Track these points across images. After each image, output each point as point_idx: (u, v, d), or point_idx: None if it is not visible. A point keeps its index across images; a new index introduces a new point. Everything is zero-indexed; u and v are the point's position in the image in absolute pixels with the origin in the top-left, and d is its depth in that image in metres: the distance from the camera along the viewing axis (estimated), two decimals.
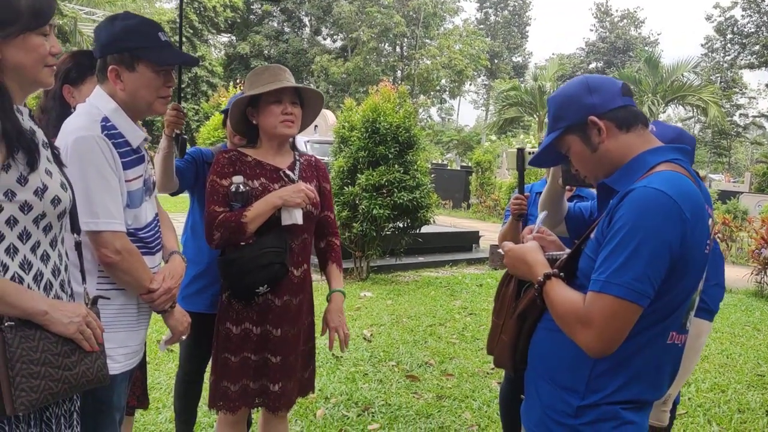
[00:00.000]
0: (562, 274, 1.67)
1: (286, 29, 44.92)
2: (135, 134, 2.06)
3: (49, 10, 1.63)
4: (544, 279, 1.67)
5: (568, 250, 1.80)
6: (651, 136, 1.72)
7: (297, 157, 2.67)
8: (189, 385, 3.21)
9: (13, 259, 1.59)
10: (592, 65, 54.73)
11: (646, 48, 45.18)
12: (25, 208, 1.59)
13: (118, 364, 2.03)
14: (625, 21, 57.14)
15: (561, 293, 1.62)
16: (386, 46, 45.58)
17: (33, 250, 1.64)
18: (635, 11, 57.64)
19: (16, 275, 1.60)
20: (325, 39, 47.49)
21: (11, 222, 1.58)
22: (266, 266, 2.43)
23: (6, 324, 1.54)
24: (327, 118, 21.54)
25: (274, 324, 2.54)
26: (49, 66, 1.66)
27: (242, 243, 2.47)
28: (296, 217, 2.47)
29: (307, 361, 2.74)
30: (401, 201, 7.89)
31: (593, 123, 1.68)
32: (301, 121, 2.61)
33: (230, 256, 2.48)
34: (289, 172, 2.58)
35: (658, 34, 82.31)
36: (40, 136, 1.70)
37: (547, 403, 1.70)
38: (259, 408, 2.65)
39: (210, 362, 2.69)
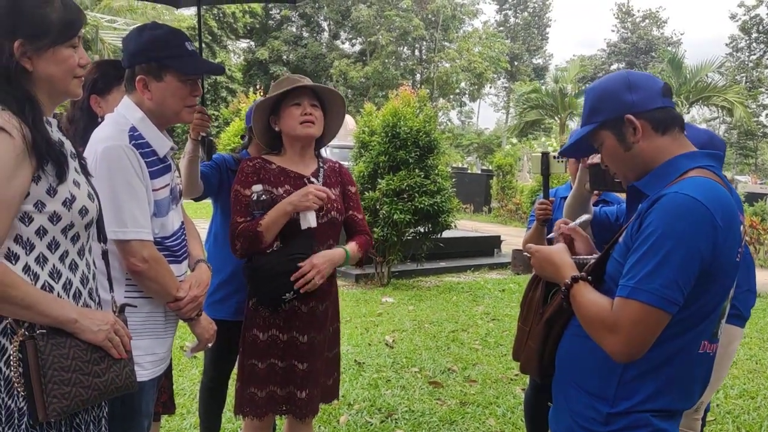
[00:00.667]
0: (589, 277, 1.65)
1: (305, 34, 45.11)
2: (162, 143, 2.07)
3: (78, 23, 1.66)
4: (571, 282, 1.65)
5: (596, 254, 1.78)
6: (686, 140, 1.69)
7: (321, 164, 2.68)
8: (213, 392, 3.22)
9: (43, 269, 1.62)
10: (614, 66, 54.25)
11: (669, 48, 44.67)
12: (54, 218, 1.62)
13: (145, 371, 2.05)
14: (647, 21, 56.61)
15: (588, 297, 1.61)
16: (405, 50, 45.59)
17: (62, 259, 1.66)
18: (657, 11, 57.07)
19: (46, 284, 1.62)
20: (343, 43, 47.64)
21: (41, 232, 1.61)
22: (292, 272, 2.44)
23: (38, 332, 1.56)
24: (346, 122, 21.49)
25: (301, 330, 2.54)
26: (77, 77, 1.69)
27: (267, 250, 2.48)
28: (310, 220, 2.47)
29: (332, 368, 2.74)
30: (422, 206, 7.87)
31: (629, 122, 1.65)
32: (323, 125, 2.62)
33: (256, 263, 2.49)
34: (313, 179, 2.59)
35: (681, 34, 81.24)
36: (68, 146, 1.73)
37: (576, 409, 1.69)
38: (284, 414, 2.65)
39: (236, 368, 2.70)
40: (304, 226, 2.47)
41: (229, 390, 3.31)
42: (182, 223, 2.22)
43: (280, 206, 2.46)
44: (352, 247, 2.64)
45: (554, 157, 3.18)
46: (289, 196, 2.49)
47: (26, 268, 1.59)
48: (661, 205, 1.51)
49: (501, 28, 56.65)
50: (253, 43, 42.69)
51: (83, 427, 1.72)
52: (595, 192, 2.93)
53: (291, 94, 2.54)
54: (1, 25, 1.55)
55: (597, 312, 1.56)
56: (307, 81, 2.61)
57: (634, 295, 1.48)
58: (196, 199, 3.02)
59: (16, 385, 1.55)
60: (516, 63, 54.87)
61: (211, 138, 2.95)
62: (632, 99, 1.66)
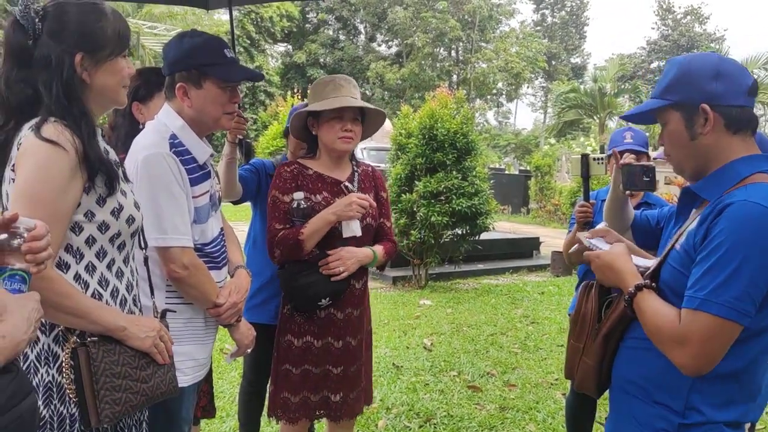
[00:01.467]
0: (653, 284, 1.60)
1: (342, 37, 45.30)
2: (202, 150, 2.09)
3: (129, 33, 1.70)
4: (635, 291, 1.60)
5: (654, 259, 1.72)
6: (753, 144, 1.62)
7: (355, 168, 2.68)
8: (253, 395, 3.24)
9: (92, 277, 1.66)
10: (654, 64, 53.25)
11: (712, 45, 43.63)
12: (103, 227, 1.65)
13: (186, 376, 2.07)
14: (688, 18, 55.38)
15: (654, 307, 1.56)
16: (441, 51, 45.45)
17: (109, 267, 1.70)
18: (699, 7, 55.79)
19: (95, 292, 1.66)
20: (380, 45, 47.70)
21: (90, 241, 1.64)
22: (328, 279, 2.45)
23: (89, 339, 1.59)
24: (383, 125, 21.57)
25: (336, 336, 2.55)
26: (125, 87, 1.73)
27: (306, 255, 2.49)
28: (354, 229, 2.48)
29: (366, 371, 2.74)
30: (460, 208, 7.82)
31: (703, 111, 1.56)
32: (360, 135, 2.62)
33: (292, 270, 2.50)
34: (348, 185, 2.59)
35: (725, 30, 79.11)
36: (112, 155, 1.75)
37: (645, 421, 1.64)
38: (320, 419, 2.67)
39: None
40: (347, 234, 2.48)
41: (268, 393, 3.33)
42: (222, 229, 2.23)
43: (323, 215, 2.45)
44: (379, 249, 2.65)
45: (594, 159, 3.12)
46: (330, 205, 2.49)
47: (77, 277, 1.63)
48: (731, 214, 1.45)
49: (538, 28, 56.06)
50: (290, 47, 43.05)
51: (126, 430, 1.75)
52: (631, 193, 2.85)
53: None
54: (62, 41, 1.59)
55: (664, 324, 1.51)
56: (352, 87, 2.58)
57: (704, 307, 1.43)
58: (235, 202, 3.04)
59: (68, 391, 1.58)
60: (554, 62, 54.23)
61: (249, 140, 2.96)
62: (715, 89, 1.56)
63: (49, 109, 1.57)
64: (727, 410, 1.54)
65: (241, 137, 2.88)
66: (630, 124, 2.91)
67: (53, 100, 1.57)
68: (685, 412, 1.56)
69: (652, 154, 3.21)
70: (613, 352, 1.75)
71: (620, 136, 3.13)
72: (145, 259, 1.89)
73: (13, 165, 1.55)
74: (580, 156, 3.15)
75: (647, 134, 3.27)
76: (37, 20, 1.58)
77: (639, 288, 1.59)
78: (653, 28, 60.35)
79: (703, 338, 1.43)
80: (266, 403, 3.27)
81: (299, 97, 16.88)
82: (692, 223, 1.60)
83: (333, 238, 2.49)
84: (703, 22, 55.88)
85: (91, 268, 1.65)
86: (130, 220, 1.70)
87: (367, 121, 2.65)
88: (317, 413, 2.60)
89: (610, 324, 1.73)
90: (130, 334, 1.66)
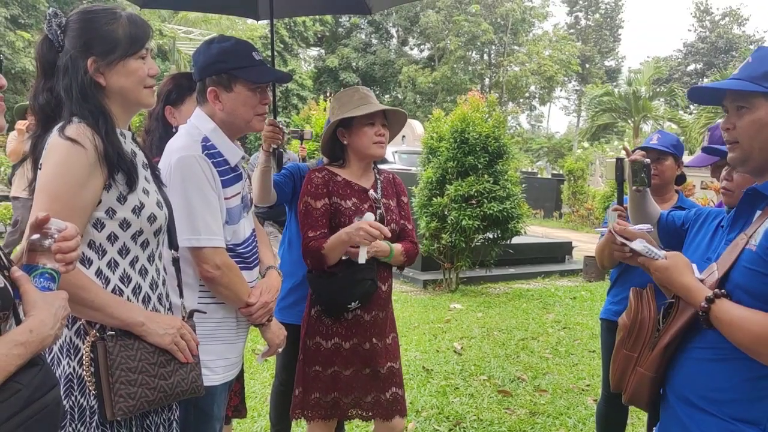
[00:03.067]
0: (723, 291, 1.54)
1: (374, 41, 45.41)
2: (233, 153, 2.13)
3: (144, 36, 1.75)
4: (707, 304, 1.53)
5: (714, 265, 1.65)
6: None
7: (377, 176, 2.74)
8: (284, 395, 3.26)
9: (114, 273, 1.71)
10: (691, 67, 52.35)
11: (751, 47, 42.78)
12: (124, 225, 1.70)
13: (217, 375, 2.10)
14: (727, 19, 54.27)
15: (741, 315, 1.48)
16: (474, 54, 45.25)
17: (132, 264, 1.74)
18: (738, 8, 54.64)
19: (116, 288, 1.71)
20: (412, 49, 47.69)
21: (112, 238, 1.69)
22: (359, 282, 2.49)
23: (108, 333, 1.64)
24: (414, 128, 21.57)
25: (363, 338, 2.59)
26: (148, 87, 1.78)
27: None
28: (361, 255, 2.48)
29: (397, 379, 2.75)
30: (491, 212, 7.78)
31: None
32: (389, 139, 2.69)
33: (322, 274, 2.56)
34: (373, 192, 2.65)
35: (765, 32, 77.48)
36: (141, 157, 1.82)
37: None
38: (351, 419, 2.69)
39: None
40: (358, 259, 2.49)
41: None
42: (253, 230, 2.27)
43: (339, 233, 2.51)
44: (397, 246, 2.68)
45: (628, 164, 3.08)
46: (357, 213, 2.55)
47: (98, 272, 1.69)
48: None
49: (572, 31, 55.44)
50: (323, 51, 43.30)
51: (153, 428, 1.78)
52: (638, 188, 2.80)
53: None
54: (75, 45, 1.68)
55: (762, 331, 1.44)
56: (375, 98, 2.68)
57: None
58: (270, 207, 3.10)
59: (88, 384, 1.63)
60: (587, 65, 53.62)
61: (281, 150, 3.02)
62: None
63: (71, 110, 1.66)
64: None
65: (275, 147, 2.92)
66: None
67: (73, 102, 1.66)
68: (766, 426, 1.48)
69: (686, 159, 3.16)
70: (669, 363, 1.69)
71: (650, 137, 3.12)
72: (175, 260, 1.92)
73: (40, 164, 1.64)
74: (614, 159, 3.11)
75: (681, 138, 3.22)
76: (59, 32, 1.68)
77: (711, 300, 1.53)
78: (690, 30, 59.35)
79: None
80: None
81: (332, 100, 16.97)
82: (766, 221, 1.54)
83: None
84: (742, 23, 54.71)
85: (113, 265, 1.71)
86: (152, 218, 1.75)
87: (390, 125, 2.72)
88: (349, 413, 2.63)
89: (673, 333, 1.66)
90: (149, 329, 1.70)
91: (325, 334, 2.60)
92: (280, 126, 2.97)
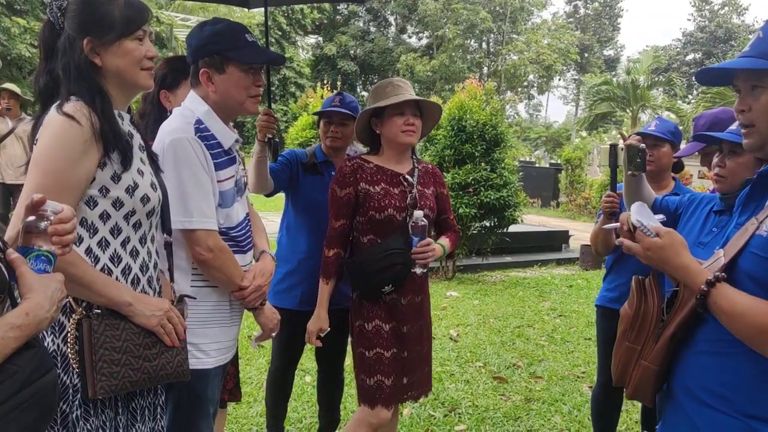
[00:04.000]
0: (724, 275, 1.44)
1: (372, 29, 45.20)
2: (227, 136, 2.11)
3: (140, 18, 1.75)
4: (707, 287, 1.43)
5: (720, 251, 1.55)
6: None
7: (416, 164, 2.78)
8: (280, 380, 3.28)
9: (104, 252, 1.70)
10: (690, 56, 52.22)
11: (751, 36, 42.63)
12: (117, 204, 1.70)
13: (211, 359, 2.10)
14: (726, 9, 54.08)
15: (743, 303, 1.39)
16: (472, 43, 45.12)
17: (123, 245, 1.74)
18: None
19: (105, 267, 1.70)
20: (410, 37, 47.50)
21: (104, 216, 1.69)
22: (390, 267, 2.55)
23: (94, 312, 1.64)
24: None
25: (400, 321, 2.67)
26: (146, 69, 1.77)
27: (368, 245, 2.64)
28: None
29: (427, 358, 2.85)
30: (488, 200, 7.79)
31: None
32: (421, 129, 2.72)
33: (357, 258, 2.64)
34: (408, 177, 2.70)
35: (764, 21, 77.08)
36: (137, 139, 1.81)
37: None
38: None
39: (353, 359, 2.74)
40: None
41: (296, 379, 3.36)
42: (247, 214, 2.26)
43: (317, 310, 2.68)
44: (446, 243, 2.82)
45: (622, 149, 3.08)
46: (387, 197, 2.62)
47: (88, 251, 1.68)
48: None
49: (570, 19, 55.26)
50: (321, 39, 43.11)
51: (138, 411, 1.79)
52: (633, 173, 2.79)
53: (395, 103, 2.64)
54: (71, 26, 1.68)
55: (764, 321, 1.35)
56: (409, 87, 2.72)
57: None
58: (267, 195, 3.10)
59: (71, 361, 1.62)
60: (586, 54, 53.49)
61: (277, 140, 3.02)
62: None
63: (68, 89, 1.67)
64: None
65: (270, 136, 2.92)
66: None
67: (71, 81, 1.67)
68: None
69: (683, 146, 3.15)
70: (673, 355, 1.60)
71: (648, 124, 3.12)
72: (167, 244, 1.92)
73: (36, 139, 1.65)
74: (609, 146, 3.11)
75: (680, 127, 3.21)
76: (59, 15, 1.69)
77: (711, 284, 1.43)
78: (689, 20, 59.01)
79: None
80: (296, 389, 3.32)
81: (329, 88, 16.89)
82: None
83: (389, 226, 2.61)
84: (741, 13, 54.55)
85: (104, 244, 1.70)
86: (145, 199, 1.75)
87: (425, 116, 2.75)
88: (405, 395, 2.71)
89: (677, 324, 1.56)
90: (135, 310, 1.70)
91: (367, 317, 2.66)
92: (275, 116, 2.98)
